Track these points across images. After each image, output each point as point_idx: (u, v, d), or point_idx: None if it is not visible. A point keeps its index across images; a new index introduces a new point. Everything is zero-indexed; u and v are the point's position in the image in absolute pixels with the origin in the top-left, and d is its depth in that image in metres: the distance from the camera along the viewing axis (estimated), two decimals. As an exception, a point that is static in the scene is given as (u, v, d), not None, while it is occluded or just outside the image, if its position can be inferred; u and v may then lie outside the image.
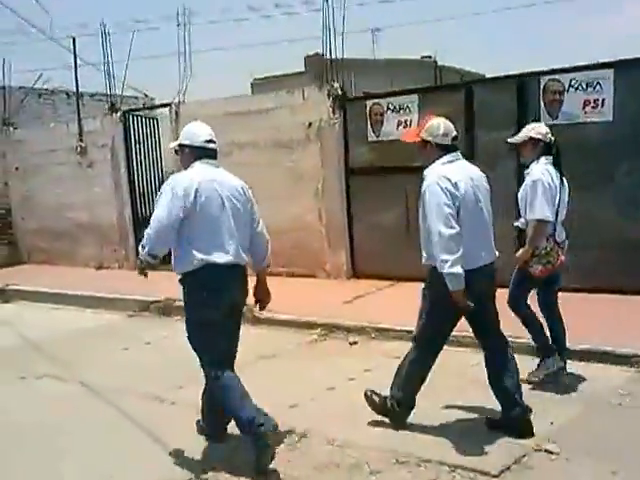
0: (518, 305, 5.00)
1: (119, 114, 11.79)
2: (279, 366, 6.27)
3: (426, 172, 4.09)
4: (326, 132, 9.17)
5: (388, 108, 8.68)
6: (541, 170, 4.76)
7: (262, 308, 4.53)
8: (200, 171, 4.07)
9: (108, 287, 10.01)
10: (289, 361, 6.44)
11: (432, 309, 4.17)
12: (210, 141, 4.19)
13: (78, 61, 12.50)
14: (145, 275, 4.16)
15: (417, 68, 21.64)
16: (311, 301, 8.30)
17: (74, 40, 12.28)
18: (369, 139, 8.96)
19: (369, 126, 8.93)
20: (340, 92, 9.17)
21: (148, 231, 3.98)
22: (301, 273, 9.62)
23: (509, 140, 5.10)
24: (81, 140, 12.31)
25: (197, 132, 4.21)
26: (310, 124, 9.40)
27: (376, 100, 8.84)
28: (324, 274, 9.50)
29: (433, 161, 4.09)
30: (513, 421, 4.23)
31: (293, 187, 9.67)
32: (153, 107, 11.46)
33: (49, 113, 14.66)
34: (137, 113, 12.03)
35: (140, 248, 4.07)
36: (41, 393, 5.97)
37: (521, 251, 4.85)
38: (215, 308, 3.97)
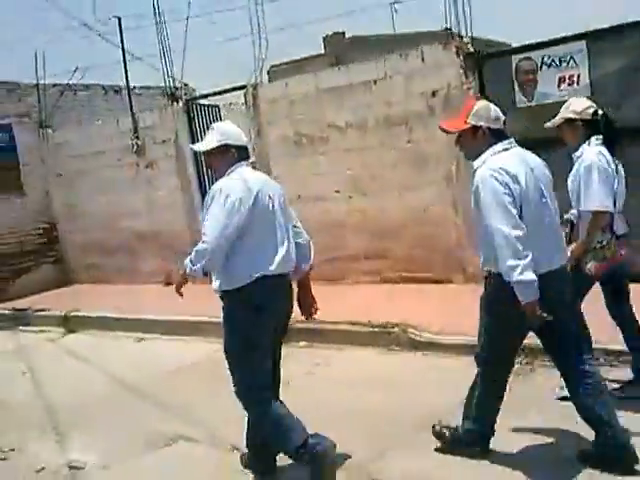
0: None
1: (181, 104, 10.09)
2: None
3: (476, 164, 3.58)
4: (456, 101, 7.42)
5: (543, 63, 6.97)
6: (594, 152, 4.12)
7: (308, 318, 4.17)
8: (250, 175, 3.83)
9: (192, 308, 8.35)
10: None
11: (496, 323, 3.66)
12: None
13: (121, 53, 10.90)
14: (181, 295, 3.86)
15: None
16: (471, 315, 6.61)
17: (120, 28, 10.58)
18: (518, 105, 7.24)
19: (517, 88, 7.22)
20: (472, 48, 7.44)
21: (204, 246, 3.62)
22: (428, 278, 7.93)
23: (546, 124, 4.40)
24: (137, 137, 10.64)
25: (238, 132, 3.94)
26: (434, 93, 7.69)
27: (525, 54, 7.12)
28: (462, 278, 7.77)
29: (483, 151, 3.58)
30: (610, 451, 3.54)
31: (414, 173, 7.97)
32: (223, 92, 9.72)
33: (86, 111, 12.99)
34: (201, 102, 10.34)
35: (188, 263, 3.68)
36: (197, 471, 4.34)
37: (573, 246, 4.15)
38: (264, 326, 3.72)
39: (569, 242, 4.24)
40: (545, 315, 3.35)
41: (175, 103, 10.14)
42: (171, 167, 10.36)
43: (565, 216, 4.31)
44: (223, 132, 3.89)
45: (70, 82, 12.45)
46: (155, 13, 10.00)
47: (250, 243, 3.67)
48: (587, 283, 4.24)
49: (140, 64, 12.07)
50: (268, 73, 21.63)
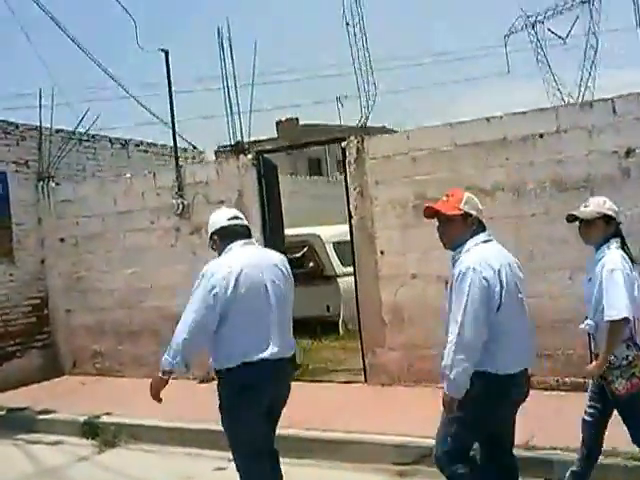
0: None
1: (250, 156, 8.17)
2: None
3: (457, 252, 3.57)
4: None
5: None
6: (619, 257, 3.86)
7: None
8: (238, 256, 3.82)
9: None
10: None
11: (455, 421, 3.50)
12: (233, 218, 4.00)
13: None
14: (160, 400, 3.83)
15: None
16: None
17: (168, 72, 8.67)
18: None
19: None
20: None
21: (182, 335, 3.65)
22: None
23: (575, 213, 4.08)
24: (181, 196, 8.58)
25: (217, 216, 4.07)
26: (629, 152, 6.11)
27: None
28: None
29: (465, 240, 3.56)
30: None
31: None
32: (313, 143, 7.87)
33: (90, 165, 10.83)
34: (270, 155, 8.47)
35: (167, 356, 3.68)
36: None
37: (594, 363, 3.86)
38: (257, 407, 3.72)
39: (590, 357, 4.01)
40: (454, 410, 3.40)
41: (242, 155, 8.17)
42: (228, 234, 8.30)
43: (581, 326, 4.01)
44: (209, 225, 4.08)
45: (77, 130, 10.37)
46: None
47: (236, 326, 3.65)
48: (612, 403, 3.91)
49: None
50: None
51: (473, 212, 3.60)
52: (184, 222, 8.64)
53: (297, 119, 27.59)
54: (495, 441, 3.68)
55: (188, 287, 7.93)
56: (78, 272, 9.67)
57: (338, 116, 24.71)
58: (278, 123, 27.23)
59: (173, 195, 8.64)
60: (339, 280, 11.22)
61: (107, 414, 7.22)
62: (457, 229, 3.61)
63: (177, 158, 8.68)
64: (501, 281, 3.39)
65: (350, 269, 11.43)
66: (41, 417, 7.58)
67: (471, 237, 3.57)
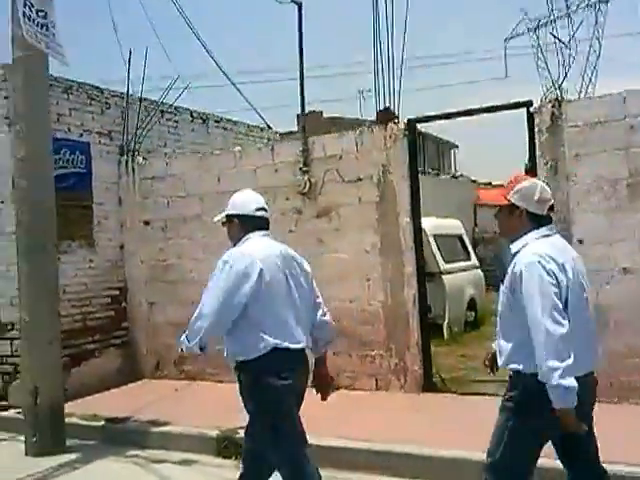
0: None
1: (402, 125, 6.94)
2: None
3: (515, 247, 3.29)
4: None
5: None
6: None
7: (324, 398, 3.97)
8: (259, 245, 3.71)
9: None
10: None
11: (516, 430, 3.19)
12: (261, 209, 3.84)
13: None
14: None
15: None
16: None
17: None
18: None
19: None
20: None
21: (200, 323, 3.56)
22: None
23: None
24: (306, 172, 7.35)
25: (246, 200, 3.87)
26: None
27: None
28: None
29: (519, 232, 3.31)
30: None
31: None
32: (492, 109, 6.66)
33: (172, 139, 9.58)
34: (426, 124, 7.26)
35: (184, 340, 3.62)
36: None
37: None
38: (285, 397, 3.60)
39: None
40: (581, 424, 3.05)
41: (391, 124, 6.94)
42: (366, 217, 7.08)
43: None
44: (230, 202, 3.88)
45: (162, 100, 9.10)
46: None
47: (260, 316, 3.58)
48: None
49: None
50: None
51: (522, 204, 3.31)
52: (309, 203, 7.41)
53: (321, 112, 26.57)
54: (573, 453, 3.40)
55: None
56: (166, 260, 8.41)
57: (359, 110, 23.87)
58: (301, 115, 26.13)
59: (296, 171, 7.40)
60: (444, 277, 10.04)
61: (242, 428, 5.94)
62: (504, 219, 3.42)
63: (304, 128, 7.42)
64: (566, 273, 3.17)
65: (455, 265, 10.52)
66: (154, 430, 6.31)
67: (529, 230, 3.31)
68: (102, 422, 6.60)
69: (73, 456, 5.97)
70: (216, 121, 10.45)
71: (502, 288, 3.32)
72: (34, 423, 6.07)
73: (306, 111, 8.05)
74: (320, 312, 3.91)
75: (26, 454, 6.13)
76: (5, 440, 6.72)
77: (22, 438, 6.40)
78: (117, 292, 8.64)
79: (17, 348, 7.33)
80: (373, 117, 7.56)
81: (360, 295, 7.11)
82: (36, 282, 6.13)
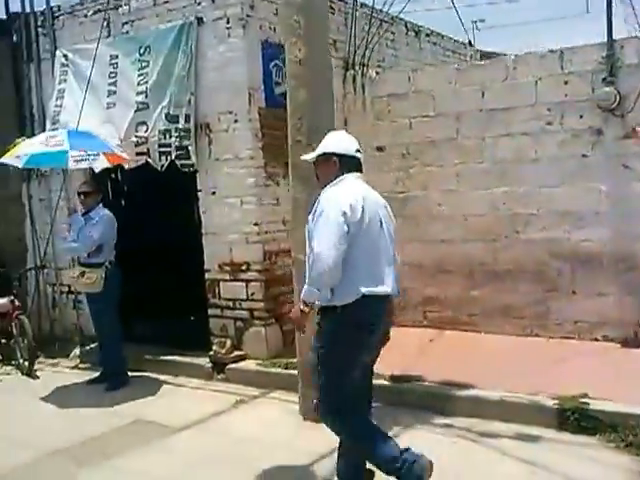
0: None
1: None
2: None
3: None
4: None
5: None
6: None
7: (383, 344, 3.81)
8: (358, 187, 3.61)
9: None
10: None
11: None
12: (359, 151, 3.74)
13: None
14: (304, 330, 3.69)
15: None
16: None
17: None
18: None
19: None
20: None
21: (322, 265, 3.38)
22: None
23: None
24: (612, 82, 5.99)
25: (345, 140, 3.77)
26: None
27: None
28: None
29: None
30: None
31: None
32: None
33: (390, 54, 8.33)
34: None
35: (312, 290, 3.44)
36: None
37: None
38: (367, 346, 3.61)
39: None
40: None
41: None
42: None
43: None
44: (326, 141, 3.77)
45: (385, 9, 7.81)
46: None
47: (358, 258, 3.46)
48: None
49: None
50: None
51: None
52: (613, 122, 6.05)
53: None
54: None
55: (606, 215, 5.28)
56: (405, 192, 7.25)
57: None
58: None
59: (597, 82, 6.04)
60: None
61: (584, 397, 4.79)
62: None
63: (610, 26, 5.99)
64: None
65: None
66: (461, 394, 5.20)
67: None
68: (383, 381, 5.54)
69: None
70: (427, 35, 9.13)
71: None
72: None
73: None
74: (395, 266, 3.70)
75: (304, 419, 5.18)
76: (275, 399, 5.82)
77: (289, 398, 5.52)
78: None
79: (254, 291, 6.42)
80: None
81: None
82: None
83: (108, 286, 6.18)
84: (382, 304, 3.59)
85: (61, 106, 7.34)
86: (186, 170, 6.58)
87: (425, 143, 7.05)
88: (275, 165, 6.55)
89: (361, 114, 7.42)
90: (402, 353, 5.68)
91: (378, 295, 3.52)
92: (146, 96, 6.71)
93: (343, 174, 3.64)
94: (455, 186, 6.90)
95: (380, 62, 7.99)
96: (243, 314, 6.54)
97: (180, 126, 6.54)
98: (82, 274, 6.22)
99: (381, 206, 3.70)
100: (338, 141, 3.74)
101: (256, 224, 6.41)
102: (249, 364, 6.42)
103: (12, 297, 7.09)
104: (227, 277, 6.59)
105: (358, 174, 3.70)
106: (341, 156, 3.65)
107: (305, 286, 3.49)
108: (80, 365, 7.24)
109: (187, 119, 6.52)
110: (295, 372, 5.45)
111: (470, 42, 9.95)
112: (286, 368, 6.11)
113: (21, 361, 7.05)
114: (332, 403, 3.59)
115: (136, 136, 6.72)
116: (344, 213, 3.42)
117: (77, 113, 6.92)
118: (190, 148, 6.53)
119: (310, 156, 3.81)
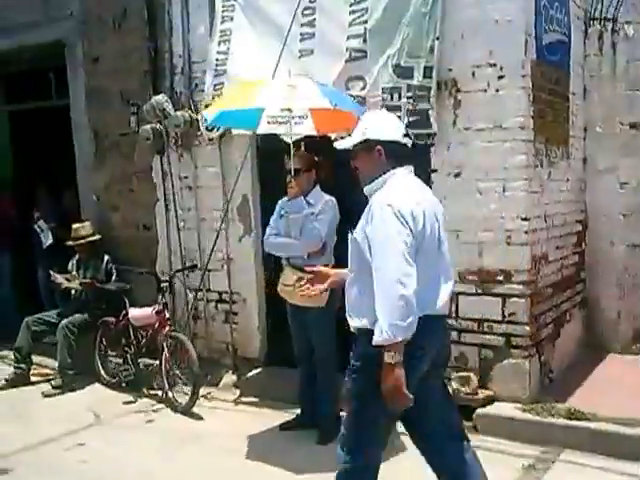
0: None
1: None
2: None
3: None
4: None
5: None
6: None
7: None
8: (413, 187, 2.95)
9: None
10: None
11: None
12: (407, 135, 3.03)
13: None
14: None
15: None
16: None
17: None
18: None
19: None
20: None
21: (400, 289, 2.63)
22: None
23: None
24: None
25: (389, 122, 3.02)
26: None
27: None
28: None
29: None
30: None
31: None
32: None
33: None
34: None
35: (398, 323, 2.62)
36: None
37: None
38: (415, 375, 2.81)
39: None
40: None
41: None
42: None
43: None
44: (366, 124, 3.00)
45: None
46: None
47: (419, 274, 2.75)
48: None
49: None
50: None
51: None
52: None
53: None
54: None
55: None
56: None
57: None
58: None
59: None
60: None
61: None
62: None
63: None
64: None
65: None
66: None
67: None
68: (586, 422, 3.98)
69: None
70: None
71: None
72: None
73: None
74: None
75: None
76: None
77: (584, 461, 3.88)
78: (579, 227, 5.90)
79: (513, 310, 4.79)
80: None
81: None
82: None
83: (331, 298, 4.41)
84: (438, 324, 2.94)
85: (226, 52, 5.52)
86: (421, 142, 4.83)
87: None
88: (543, 140, 4.87)
89: (609, 81, 5.76)
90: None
91: (432, 316, 2.86)
92: (363, 40, 4.96)
93: (392, 167, 2.93)
94: None
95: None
96: (494, 340, 4.83)
97: (415, 83, 4.81)
98: (300, 281, 4.42)
99: (436, 206, 2.98)
100: (381, 124, 2.99)
101: (525, 219, 4.69)
102: (507, 409, 4.71)
103: (160, 306, 5.29)
104: (472, 290, 4.87)
105: (409, 168, 2.99)
106: (387, 143, 2.92)
107: (381, 325, 2.63)
108: (243, 399, 5.47)
109: (426, 73, 4.79)
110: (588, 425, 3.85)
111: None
112: (570, 418, 4.45)
113: (170, 394, 5.26)
114: (363, 440, 2.91)
115: (348, 95, 4.96)
116: (406, 223, 2.75)
117: (251, 63, 5.17)
118: (430, 112, 4.80)
119: (345, 143, 3.03)
